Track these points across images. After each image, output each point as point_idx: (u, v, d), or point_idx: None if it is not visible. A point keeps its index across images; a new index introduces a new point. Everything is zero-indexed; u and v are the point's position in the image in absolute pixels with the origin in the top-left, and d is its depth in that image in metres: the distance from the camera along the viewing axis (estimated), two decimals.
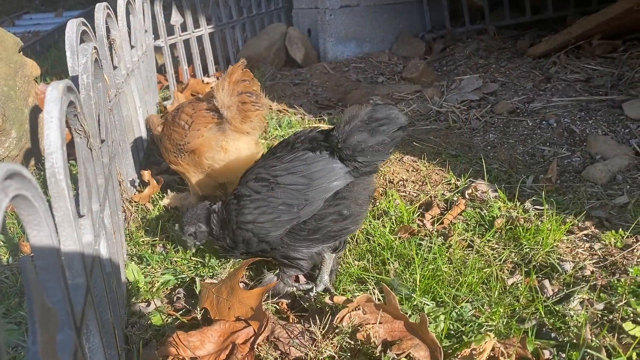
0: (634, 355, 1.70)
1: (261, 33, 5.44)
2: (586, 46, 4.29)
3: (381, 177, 3.00)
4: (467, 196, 2.77)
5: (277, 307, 2.08)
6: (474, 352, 1.74)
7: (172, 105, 4.06)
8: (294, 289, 2.17)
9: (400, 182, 2.94)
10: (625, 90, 3.65)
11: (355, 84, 4.68)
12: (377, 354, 1.76)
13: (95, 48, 1.94)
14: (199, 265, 2.32)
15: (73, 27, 1.95)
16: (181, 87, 4.43)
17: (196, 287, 2.15)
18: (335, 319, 1.84)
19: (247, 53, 5.19)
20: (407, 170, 3.07)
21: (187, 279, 2.24)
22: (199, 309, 1.97)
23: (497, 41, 5.13)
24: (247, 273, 2.29)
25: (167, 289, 2.22)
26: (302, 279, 2.24)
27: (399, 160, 3.18)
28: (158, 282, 2.23)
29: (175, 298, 2.13)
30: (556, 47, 4.32)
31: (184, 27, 4.54)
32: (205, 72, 4.83)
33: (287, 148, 1.98)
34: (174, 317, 2.00)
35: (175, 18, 4.39)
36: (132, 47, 3.28)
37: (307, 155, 1.90)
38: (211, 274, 2.26)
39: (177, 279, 2.24)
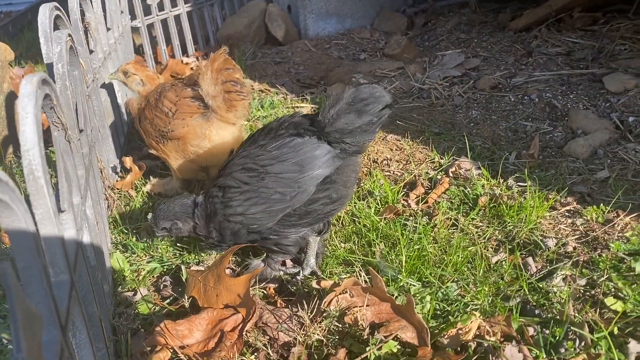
0: (616, 330, 1.73)
1: (240, 11, 5.35)
2: (567, 19, 4.29)
3: (365, 157, 2.99)
4: (450, 174, 2.78)
5: (265, 292, 2.08)
6: (460, 331, 1.77)
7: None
8: (281, 273, 2.17)
9: (384, 162, 2.94)
10: (605, 64, 3.67)
11: (337, 61, 4.64)
12: (365, 337, 1.78)
13: (69, 35, 1.89)
14: (184, 252, 2.31)
15: (46, 13, 1.89)
16: (160, 68, 4.35)
17: (182, 275, 2.14)
18: (323, 302, 1.85)
19: (226, 31, 5.10)
20: (391, 150, 3.06)
21: (173, 267, 2.23)
22: (186, 297, 1.97)
23: (479, 15, 5.10)
24: (233, 259, 2.29)
25: (153, 276, 2.21)
26: (289, 263, 2.24)
27: (383, 140, 3.18)
28: (144, 270, 2.21)
29: (162, 286, 2.12)
30: (537, 20, 4.31)
31: (161, 7, 4.44)
32: (185, 52, 4.74)
33: (270, 135, 1.95)
34: (161, 306, 2.00)
35: None
36: (108, 29, 3.20)
37: (295, 142, 1.88)
38: (197, 260, 2.25)
39: (163, 267, 2.23)
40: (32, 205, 1.18)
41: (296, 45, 5.05)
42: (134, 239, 2.38)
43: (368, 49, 4.81)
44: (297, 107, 3.74)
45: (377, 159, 2.98)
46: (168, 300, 2.05)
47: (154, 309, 2.02)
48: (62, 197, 1.38)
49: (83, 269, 1.50)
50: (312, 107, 3.71)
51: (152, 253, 2.31)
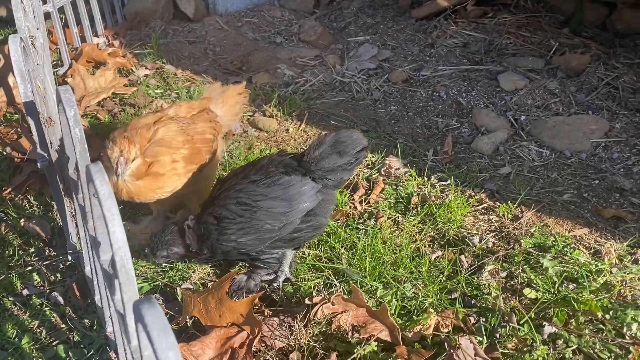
0: (533, 315, 2.30)
1: None
2: (462, 11, 4.80)
3: None
4: (383, 173, 3.20)
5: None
6: (422, 327, 2.23)
7: (71, 77, 3.90)
8: (260, 280, 2.48)
9: None
10: (497, 59, 4.24)
11: (254, 43, 4.78)
12: (350, 338, 2.19)
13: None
14: (167, 269, 2.51)
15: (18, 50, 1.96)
16: (74, 54, 4.20)
17: (170, 292, 2.37)
18: (311, 313, 2.21)
19: (134, 7, 4.96)
20: None
21: (160, 285, 2.44)
22: (187, 316, 2.22)
23: None
24: (213, 270, 2.54)
25: (141, 294, 2.40)
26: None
27: None
28: None
29: None
30: (436, 11, 4.78)
31: None
32: (94, 32, 4.57)
33: (261, 172, 2.22)
34: None
35: None
36: (37, 28, 3.10)
37: (283, 180, 2.18)
38: (181, 276, 2.48)
39: (150, 285, 2.43)
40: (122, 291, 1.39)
41: (208, 23, 5.06)
42: None
43: (283, 32, 4.98)
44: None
45: None
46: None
47: None
48: None
49: None
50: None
51: (136, 270, 2.49)
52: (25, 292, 2.38)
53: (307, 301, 2.27)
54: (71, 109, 1.81)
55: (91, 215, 1.74)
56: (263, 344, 2.17)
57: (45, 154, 2.27)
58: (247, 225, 2.19)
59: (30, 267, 2.49)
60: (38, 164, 2.21)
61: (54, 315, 2.29)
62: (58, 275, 2.48)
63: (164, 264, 2.51)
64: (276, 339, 2.19)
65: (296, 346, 2.16)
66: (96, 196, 1.41)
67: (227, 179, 2.33)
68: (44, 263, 2.52)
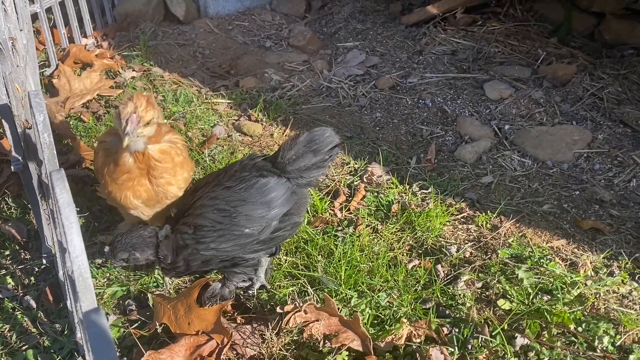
0: (506, 326, 2.30)
1: None
2: (451, 19, 4.81)
3: None
4: (365, 180, 3.20)
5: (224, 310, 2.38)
6: (394, 337, 2.23)
7: (57, 78, 3.90)
8: (234, 287, 2.47)
9: None
10: (485, 67, 4.25)
11: (244, 47, 4.78)
12: (321, 347, 2.18)
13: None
14: (141, 275, 2.51)
15: None
16: (61, 55, 4.19)
17: (144, 298, 2.36)
18: (284, 322, 2.21)
19: (124, 9, 4.96)
20: None
21: (134, 290, 2.43)
22: (158, 323, 2.21)
23: (372, 2, 5.46)
24: (188, 278, 2.54)
25: (115, 299, 2.40)
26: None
27: None
28: (106, 293, 2.39)
29: (128, 310, 2.33)
30: (426, 18, 4.79)
31: None
32: (83, 32, 4.57)
33: (234, 177, 2.22)
34: (133, 331, 2.22)
35: None
36: (20, 30, 3.09)
37: (259, 183, 2.19)
38: (155, 283, 2.47)
39: (124, 290, 2.43)
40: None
41: (198, 26, 5.06)
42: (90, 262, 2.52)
43: (272, 36, 4.98)
44: (214, 102, 3.89)
45: None
46: (136, 325, 2.27)
47: (123, 332, 2.24)
48: None
49: None
50: (229, 103, 3.90)
51: (109, 275, 2.48)
52: None
53: (279, 309, 2.27)
54: (40, 114, 1.81)
55: (60, 221, 1.73)
56: (234, 352, 2.17)
57: (20, 157, 2.26)
58: (226, 232, 2.18)
59: (4, 271, 2.49)
60: (12, 167, 2.20)
61: (26, 319, 2.28)
62: (32, 279, 2.47)
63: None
64: (248, 347, 2.19)
65: (267, 354, 2.15)
66: (55, 204, 1.40)
67: (196, 189, 2.32)
68: (19, 267, 2.51)
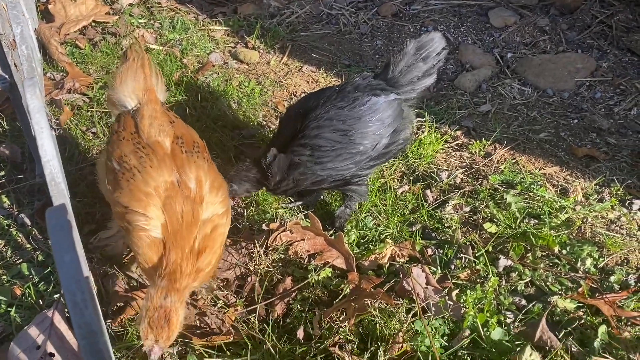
0: (490, 248, 2.32)
1: None
2: None
3: (284, 90, 3.27)
4: None
5: None
6: (377, 256, 2.27)
7: (52, 4, 3.84)
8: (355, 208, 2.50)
9: (302, 95, 3.24)
10: None
11: None
12: (305, 264, 2.23)
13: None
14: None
15: None
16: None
17: None
18: (270, 240, 2.25)
19: None
20: (307, 82, 3.36)
21: None
22: None
23: None
24: None
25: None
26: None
27: (299, 70, 3.45)
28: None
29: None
30: None
31: None
32: None
33: (346, 99, 2.24)
34: None
35: None
36: None
37: (372, 101, 2.22)
38: None
39: None
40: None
41: None
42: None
43: None
44: (211, 29, 3.82)
45: (296, 91, 3.28)
46: None
47: None
48: None
49: None
50: (226, 30, 3.83)
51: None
52: None
53: (264, 227, 2.30)
54: (18, 25, 1.79)
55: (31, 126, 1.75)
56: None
57: (7, 76, 2.26)
58: (344, 150, 2.21)
59: (0, 190, 2.54)
60: None
61: (20, 236, 2.35)
62: (27, 198, 2.52)
63: None
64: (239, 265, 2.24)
65: (253, 272, 2.21)
66: (26, 109, 1.41)
67: (304, 114, 2.29)
68: (14, 186, 2.56)
